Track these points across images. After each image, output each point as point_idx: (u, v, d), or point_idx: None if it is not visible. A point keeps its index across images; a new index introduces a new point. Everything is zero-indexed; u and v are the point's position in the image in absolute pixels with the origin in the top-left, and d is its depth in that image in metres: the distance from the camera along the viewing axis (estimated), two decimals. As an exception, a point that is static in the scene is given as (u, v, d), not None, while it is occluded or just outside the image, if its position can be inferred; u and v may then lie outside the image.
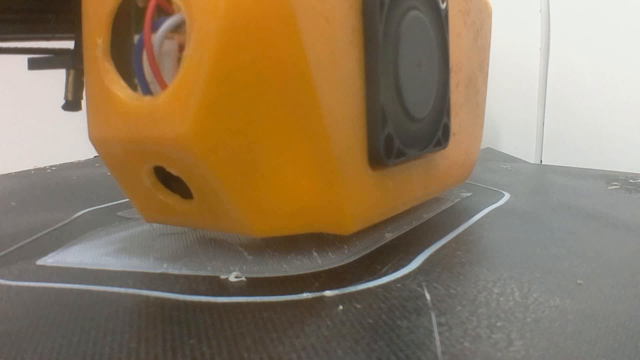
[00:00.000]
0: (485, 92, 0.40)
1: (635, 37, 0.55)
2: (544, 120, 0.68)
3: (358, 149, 0.25)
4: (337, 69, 0.24)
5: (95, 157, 0.71)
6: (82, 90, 0.29)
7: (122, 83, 0.23)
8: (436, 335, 0.18)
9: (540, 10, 0.66)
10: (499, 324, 0.19)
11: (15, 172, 0.58)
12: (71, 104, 0.29)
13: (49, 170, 0.60)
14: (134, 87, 0.24)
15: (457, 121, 0.35)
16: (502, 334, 0.18)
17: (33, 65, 0.30)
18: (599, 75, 0.60)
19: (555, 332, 0.18)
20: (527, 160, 0.67)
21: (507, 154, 0.71)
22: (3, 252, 0.28)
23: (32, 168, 0.60)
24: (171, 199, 0.25)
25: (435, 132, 0.31)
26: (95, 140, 0.25)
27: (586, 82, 0.62)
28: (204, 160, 0.22)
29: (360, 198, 0.26)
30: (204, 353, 0.17)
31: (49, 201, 0.43)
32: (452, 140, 0.33)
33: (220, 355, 0.17)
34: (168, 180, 0.25)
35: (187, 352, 0.17)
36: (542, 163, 0.68)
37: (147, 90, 0.23)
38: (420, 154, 0.29)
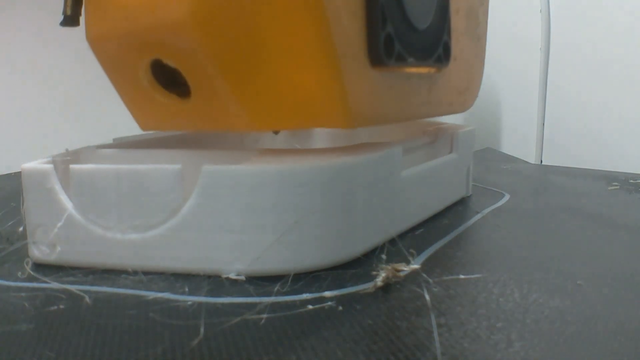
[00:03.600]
0: (486, 28, 0.41)
1: (636, 37, 0.55)
2: (544, 121, 0.68)
3: (359, 44, 0.25)
4: None
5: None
6: (81, 5, 0.29)
7: None
8: (436, 336, 0.18)
9: (541, 10, 0.66)
10: (498, 324, 0.19)
11: (15, 172, 0.58)
12: (69, 19, 0.29)
13: (48, 170, 0.59)
14: None
15: (458, 47, 0.35)
16: (502, 335, 0.18)
17: None
18: (599, 75, 0.60)
19: (555, 333, 0.18)
20: (527, 161, 0.67)
21: (507, 154, 0.71)
22: (2, 253, 0.28)
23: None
24: (168, 99, 0.25)
25: (436, 48, 0.31)
26: (93, 40, 0.25)
27: (586, 82, 0.62)
28: (202, 46, 0.22)
29: (361, 94, 0.26)
30: (203, 354, 0.17)
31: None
32: (453, 64, 0.34)
33: (220, 356, 0.17)
34: (165, 86, 0.25)
35: (187, 352, 0.17)
36: (542, 163, 0.68)
37: None
38: (421, 65, 0.30)
